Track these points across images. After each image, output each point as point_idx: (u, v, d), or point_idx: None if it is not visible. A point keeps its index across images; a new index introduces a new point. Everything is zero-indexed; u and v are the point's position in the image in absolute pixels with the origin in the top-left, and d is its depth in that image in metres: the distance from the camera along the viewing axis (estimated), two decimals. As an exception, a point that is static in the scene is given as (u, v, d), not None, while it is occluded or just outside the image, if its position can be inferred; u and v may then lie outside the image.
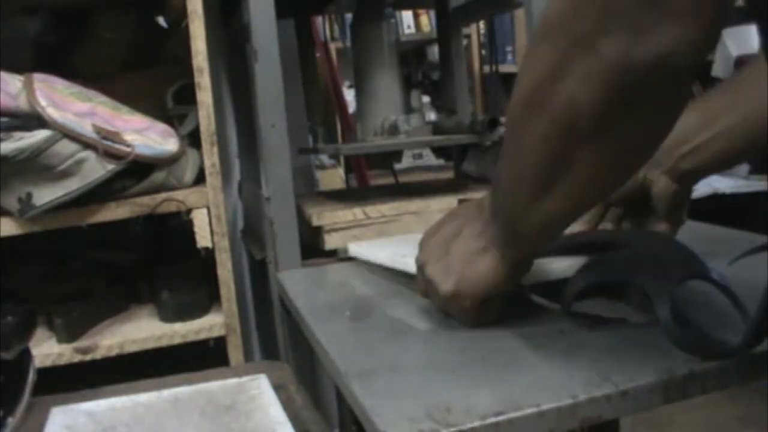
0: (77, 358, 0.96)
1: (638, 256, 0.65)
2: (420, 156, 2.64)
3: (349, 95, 1.87)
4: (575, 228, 0.76)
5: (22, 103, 0.90)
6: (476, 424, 0.45)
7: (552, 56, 0.46)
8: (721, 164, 0.72)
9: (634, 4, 0.41)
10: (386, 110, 1.10)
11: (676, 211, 0.74)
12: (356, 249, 0.93)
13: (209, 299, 1.05)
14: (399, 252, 0.81)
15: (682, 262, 0.61)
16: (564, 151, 0.49)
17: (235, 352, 1.01)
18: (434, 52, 2.72)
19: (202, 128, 0.99)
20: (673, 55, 0.42)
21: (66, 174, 0.91)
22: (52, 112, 0.89)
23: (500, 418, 0.45)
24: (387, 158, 1.56)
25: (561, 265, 0.69)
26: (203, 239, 0.98)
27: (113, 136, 0.94)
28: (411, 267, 0.70)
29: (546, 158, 0.50)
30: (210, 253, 0.99)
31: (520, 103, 0.51)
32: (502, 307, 0.64)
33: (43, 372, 0.83)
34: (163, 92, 1.17)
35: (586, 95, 0.45)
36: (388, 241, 0.95)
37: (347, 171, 2.15)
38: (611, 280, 0.64)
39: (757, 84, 0.66)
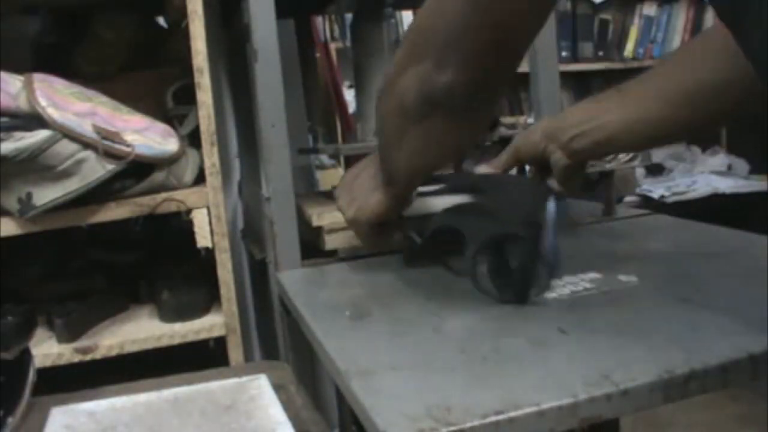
0: (77, 358, 0.96)
1: (485, 207, 0.83)
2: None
3: (349, 95, 1.87)
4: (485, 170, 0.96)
5: (22, 103, 0.90)
6: (476, 423, 0.45)
7: (402, 55, 0.67)
8: (601, 150, 0.86)
9: (440, 48, 0.60)
10: (386, 110, 1.10)
11: (569, 180, 0.88)
12: None
13: (209, 299, 1.05)
14: None
15: (521, 217, 0.73)
16: (400, 124, 0.68)
17: (235, 352, 1.01)
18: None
19: (202, 128, 0.99)
20: (451, 89, 0.60)
21: (66, 174, 0.91)
22: (52, 112, 0.89)
23: (500, 417, 0.45)
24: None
25: (437, 203, 0.87)
26: (203, 239, 0.98)
27: (113, 136, 0.94)
28: None
29: (392, 127, 0.70)
30: (210, 253, 0.99)
31: (385, 80, 0.70)
32: (394, 235, 0.84)
33: (43, 372, 0.83)
34: (163, 92, 1.17)
35: (410, 92, 0.65)
36: None
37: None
38: (449, 225, 0.79)
39: (639, 92, 0.82)
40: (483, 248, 0.70)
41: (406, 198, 0.82)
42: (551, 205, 0.82)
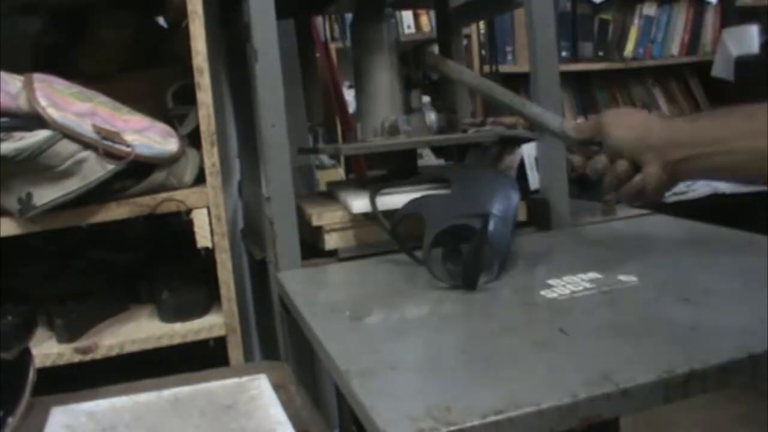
0: (77, 358, 0.95)
1: (449, 198, 0.89)
2: (420, 156, 2.64)
3: (349, 95, 1.87)
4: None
5: (22, 103, 0.90)
6: (476, 422, 0.45)
7: None
8: (720, 175, 0.81)
9: None
10: (386, 110, 1.10)
11: (655, 193, 0.81)
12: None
13: (209, 299, 1.05)
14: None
15: (478, 209, 0.78)
16: None
17: (235, 352, 1.01)
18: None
19: (202, 128, 0.99)
20: None
21: (66, 174, 0.91)
22: (52, 112, 0.89)
23: (500, 416, 0.45)
24: (387, 159, 1.56)
25: (409, 197, 0.91)
26: (203, 239, 0.98)
27: (113, 136, 0.94)
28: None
29: None
30: (210, 253, 0.99)
31: None
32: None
33: (43, 372, 0.83)
34: (163, 92, 1.17)
35: None
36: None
37: (347, 171, 2.14)
38: (414, 211, 0.85)
39: None
40: (438, 237, 0.76)
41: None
42: (514, 199, 0.89)
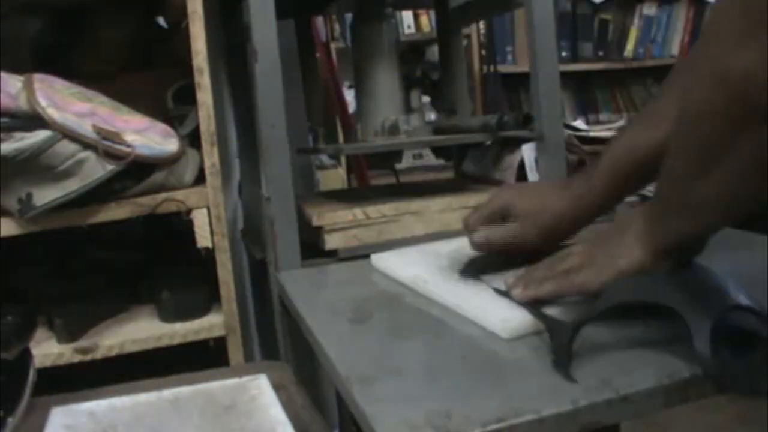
0: (77, 358, 0.96)
1: (677, 279, 0.60)
2: (420, 156, 2.64)
3: (349, 95, 1.87)
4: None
5: (22, 103, 0.90)
6: (477, 430, 0.45)
7: (731, 26, 0.45)
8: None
9: None
10: (386, 110, 1.10)
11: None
12: (379, 261, 0.88)
13: (209, 299, 1.05)
14: (421, 274, 0.78)
15: (718, 290, 0.57)
16: (730, 128, 0.47)
17: (235, 352, 1.01)
18: (432, 50, 2.71)
19: (202, 128, 0.99)
20: None
21: (66, 174, 0.91)
22: (52, 113, 0.89)
23: (501, 424, 0.45)
24: (387, 158, 1.56)
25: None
26: (203, 239, 0.98)
27: (113, 137, 0.94)
28: (432, 293, 0.73)
29: (709, 133, 0.49)
30: (210, 253, 0.99)
31: (693, 66, 0.51)
32: None
33: (43, 372, 0.83)
34: (163, 92, 1.17)
35: (759, 77, 0.43)
36: (409, 253, 0.88)
37: (348, 171, 2.15)
38: (648, 300, 0.58)
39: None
40: (718, 328, 0.51)
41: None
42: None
